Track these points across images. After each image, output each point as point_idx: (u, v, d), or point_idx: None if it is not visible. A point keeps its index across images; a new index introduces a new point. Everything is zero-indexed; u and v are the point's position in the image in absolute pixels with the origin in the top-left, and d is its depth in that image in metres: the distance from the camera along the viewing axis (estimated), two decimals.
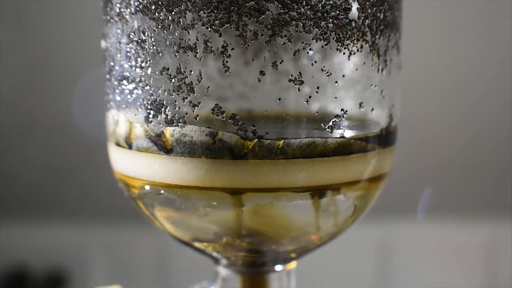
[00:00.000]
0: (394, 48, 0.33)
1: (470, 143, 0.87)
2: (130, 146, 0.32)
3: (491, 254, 0.87)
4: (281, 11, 0.29)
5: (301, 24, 0.29)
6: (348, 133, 0.31)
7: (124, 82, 0.32)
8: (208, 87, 0.30)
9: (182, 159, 0.31)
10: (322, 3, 0.30)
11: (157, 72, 0.30)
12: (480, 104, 0.86)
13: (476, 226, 0.86)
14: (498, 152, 0.87)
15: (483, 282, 0.87)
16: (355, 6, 0.30)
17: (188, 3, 0.29)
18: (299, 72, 0.30)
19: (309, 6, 0.29)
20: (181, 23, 0.30)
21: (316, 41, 0.30)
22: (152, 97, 0.31)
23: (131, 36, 0.31)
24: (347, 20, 0.30)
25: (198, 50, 0.30)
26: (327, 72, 0.30)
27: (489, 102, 0.86)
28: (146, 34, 0.31)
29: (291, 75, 0.30)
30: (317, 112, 0.30)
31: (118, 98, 0.33)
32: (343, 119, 0.31)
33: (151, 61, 0.31)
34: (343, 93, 0.31)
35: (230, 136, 0.30)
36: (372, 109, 0.32)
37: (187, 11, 0.29)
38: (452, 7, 0.84)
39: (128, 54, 0.31)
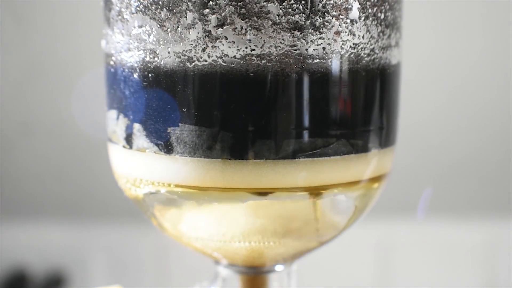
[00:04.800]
0: (394, 47, 0.33)
1: (470, 143, 0.87)
2: (130, 146, 0.32)
3: (491, 254, 0.87)
4: (282, 13, 0.29)
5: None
6: (349, 134, 0.31)
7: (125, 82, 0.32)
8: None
9: (182, 159, 0.31)
10: (323, 3, 0.30)
11: None
12: (480, 104, 0.86)
13: (476, 226, 0.86)
14: (498, 152, 0.87)
15: (483, 282, 0.87)
16: (355, 6, 0.30)
17: (188, 3, 0.29)
18: (300, 73, 0.30)
19: (310, 6, 0.29)
20: (182, 23, 0.30)
21: (316, 44, 0.30)
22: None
23: (132, 36, 0.31)
24: (348, 20, 0.30)
25: (198, 51, 0.30)
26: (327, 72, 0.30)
27: (489, 102, 0.86)
28: (146, 33, 0.31)
29: (294, 77, 0.30)
30: (318, 114, 0.30)
31: (118, 98, 0.33)
32: (344, 119, 0.31)
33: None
34: (344, 94, 0.31)
35: (231, 136, 0.30)
36: (373, 110, 0.32)
37: (187, 11, 0.29)
38: (453, 7, 0.84)
39: (129, 53, 0.31)
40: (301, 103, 0.30)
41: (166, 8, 0.30)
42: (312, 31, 0.30)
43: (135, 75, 0.31)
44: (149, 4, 0.30)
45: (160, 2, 0.30)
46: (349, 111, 0.31)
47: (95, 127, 0.75)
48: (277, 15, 0.29)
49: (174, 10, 0.30)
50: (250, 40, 0.29)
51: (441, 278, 0.87)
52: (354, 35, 0.30)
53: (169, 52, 0.30)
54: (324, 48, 0.30)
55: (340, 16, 0.30)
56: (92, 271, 0.88)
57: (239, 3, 0.29)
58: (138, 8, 0.31)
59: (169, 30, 0.30)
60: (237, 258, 0.34)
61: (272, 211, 0.32)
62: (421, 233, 0.87)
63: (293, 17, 0.29)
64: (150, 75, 0.31)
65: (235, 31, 0.29)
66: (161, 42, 0.30)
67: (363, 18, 0.31)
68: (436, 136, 0.87)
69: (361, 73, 0.31)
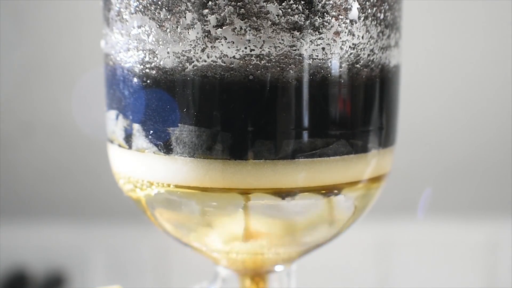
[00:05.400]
0: (394, 48, 0.33)
1: (470, 143, 0.87)
2: (129, 147, 0.32)
3: (491, 254, 0.87)
4: (281, 13, 0.29)
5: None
6: (348, 134, 0.31)
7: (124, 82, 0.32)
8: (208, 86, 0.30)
9: (182, 159, 0.31)
10: (322, 3, 0.30)
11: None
12: (480, 104, 0.86)
13: (476, 226, 0.86)
14: (498, 152, 0.87)
15: (483, 282, 0.87)
16: (355, 6, 0.30)
17: (187, 3, 0.29)
18: (299, 73, 0.30)
19: (309, 7, 0.29)
20: (181, 23, 0.30)
21: (316, 44, 0.30)
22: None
23: (131, 36, 0.31)
24: (348, 21, 0.30)
25: (197, 51, 0.30)
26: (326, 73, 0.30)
27: (489, 102, 0.86)
28: (145, 33, 0.31)
29: (293, 77, 0.30)
30: (317, 114, 0.30)
31: (118, 98, 0.33)
32: (343, 120, 0.31)
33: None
34: (343, 94, 0.31)
35: (230, 137, 0.30)
36: (372, 110, 0.32)
37: (187, 11, 0.29)
38: (453, 7, 0.84)
39: (128, 54, 0.31)
40: (300, 103, 0.30)
41: (165, 8, 0.30)
42: (312, 31, 0.30)
43: (134, 75, 0.31)
44: (148, 4, 0.30)
45: (160, 2, 0.30)
46: (349, 111, 0.31)
47: (95, 127, 0.75)
48: (276, 15, 0.29)
49: (174, 10, 0.30)
50: (249, 40, 0.29)
51: (441, 278, 0.87)
52: (353, 35, 0.30)
53: (168, 52, 0.30)
54: (323, 49, 0.30)
55: (340, 16, 0.30)
56: (92, 271, 0.88)
57: (238, 3, 0.29)
58: (137, 8, 0.31)
59: (168, 30, 0.30)
60: (237, 259, 0.34)
61: (271, 212, 0.32)
62: (421, 233, 0.86)
63: (292, 17, 0.29)
64: (149, 75, 0.31)
65: (234, 31, 0.29)
66: (160, 42, 0.30)
67: (362, 18, 0.31)
68: (436, 136, 0.87)
69: (361, 73, 0.31)
